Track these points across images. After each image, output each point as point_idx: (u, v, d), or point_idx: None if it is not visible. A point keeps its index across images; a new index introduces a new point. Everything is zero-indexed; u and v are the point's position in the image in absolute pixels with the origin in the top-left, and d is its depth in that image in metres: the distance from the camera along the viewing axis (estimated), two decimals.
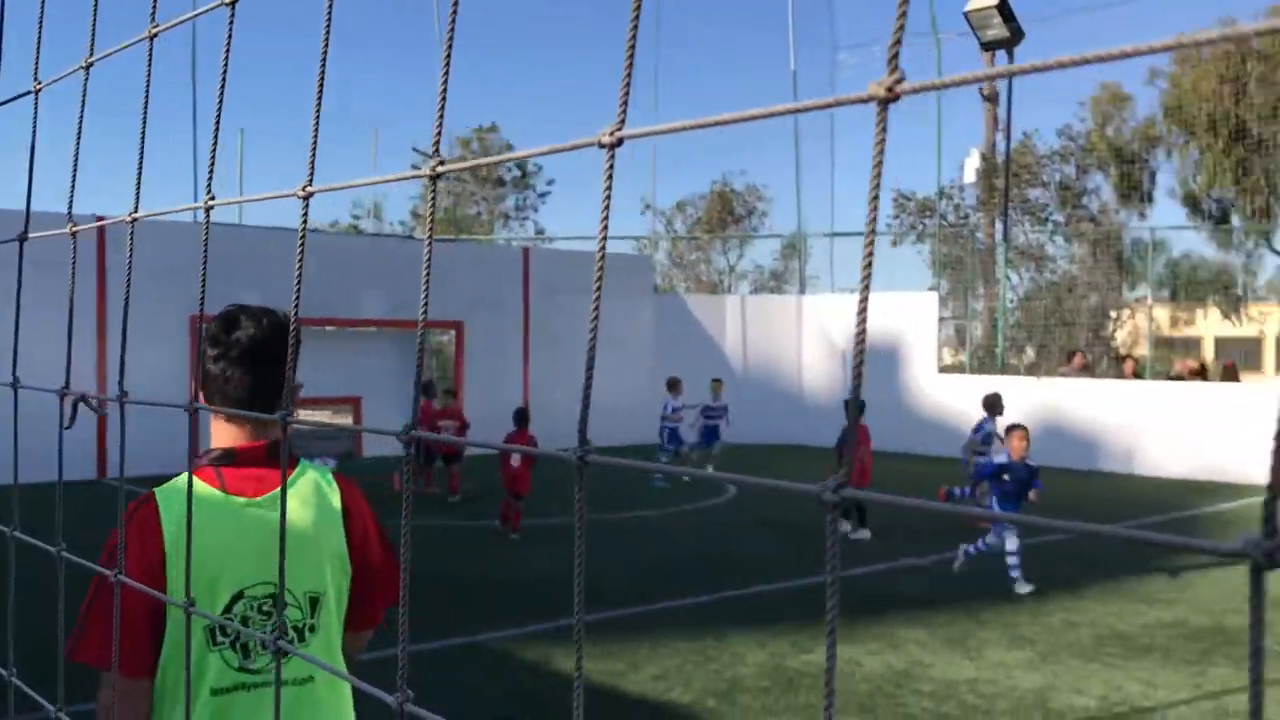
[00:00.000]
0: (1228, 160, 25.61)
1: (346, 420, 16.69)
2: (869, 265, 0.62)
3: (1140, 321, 24.19)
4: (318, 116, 1.00)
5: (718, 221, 36.27)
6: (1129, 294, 25.15)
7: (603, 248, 0.72)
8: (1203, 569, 10.07)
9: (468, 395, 19.19)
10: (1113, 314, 24.65)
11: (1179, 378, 19.78)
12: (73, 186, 1.52)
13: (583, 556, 0.79)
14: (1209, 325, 30.15)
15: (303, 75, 49.75)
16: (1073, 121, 28.44)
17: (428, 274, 0.85)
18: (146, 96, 1.23)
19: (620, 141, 0.72)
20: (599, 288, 0.76)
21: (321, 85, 0.98)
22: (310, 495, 2.24)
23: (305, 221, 1.03)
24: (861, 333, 0.64)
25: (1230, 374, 20.61)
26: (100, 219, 1.57)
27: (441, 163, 0.83)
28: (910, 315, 21.51)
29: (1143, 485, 15.63)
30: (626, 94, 0.72)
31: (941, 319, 22.07)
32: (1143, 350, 22.92)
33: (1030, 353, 24.34)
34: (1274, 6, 23.52)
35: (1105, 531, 0.65)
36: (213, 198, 1.18)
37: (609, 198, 0.73)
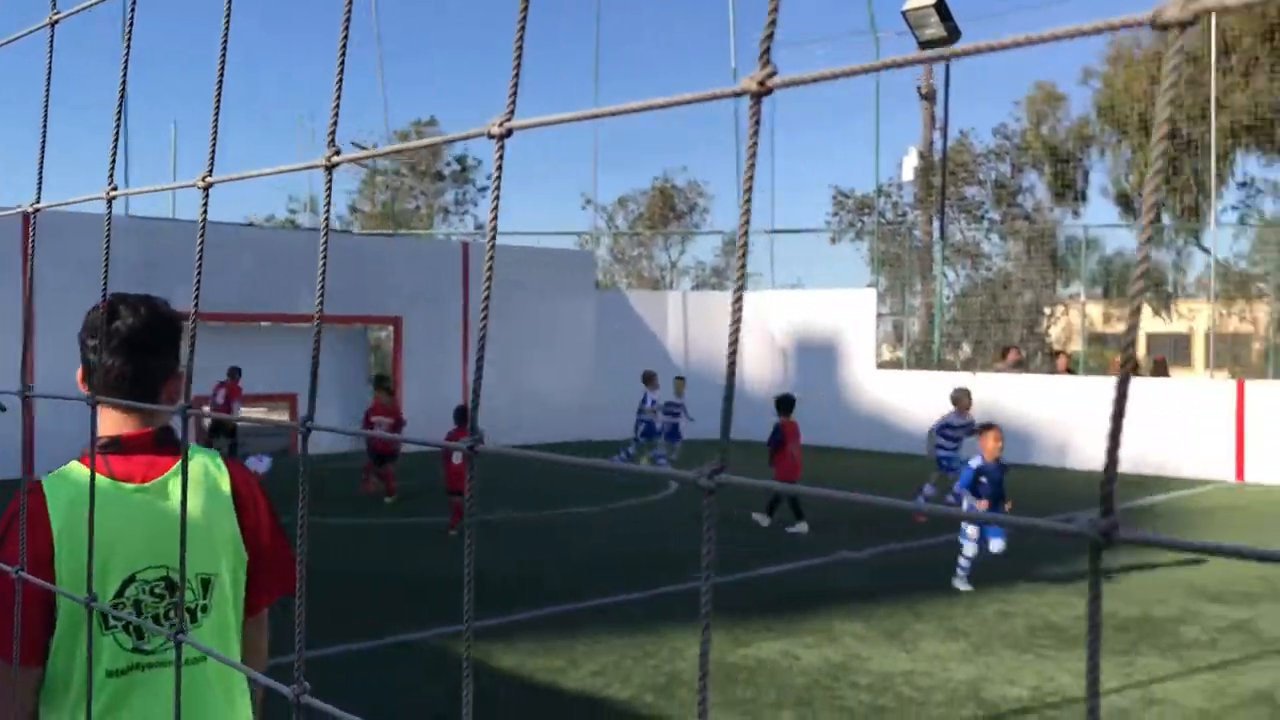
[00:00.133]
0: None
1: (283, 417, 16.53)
2: (744, 262, 0.62)
3: (1074, 318, 24.62)
4: (217, 108, 0.99)
5: (659, 217, 36.33)
6: (1063, 291, 25.59)
7: (493, 239, 0.71)
8: (1133, 562, 10.28)
9: (407, 391, 19.04)
10: (1047, 310, 25.07)
11: (1109, 372, 20.17)
12: None
13: (471, 553, 0.79)
14: (1140, 322, 30.77)
15: (248, 68, 48.99)
16: (1008, 121, 28.85)
17: (324, 267, 0.84)
18: (48, 84, 1.20)
19: (509, 132, 0.72)
20: (489, 281, 0.75)
21: (221, 75, 0.96)
22: (200, 480, 2.28)
23: (205, 212, 1.01)
24: (736, 326, 0.64)
25: (1160, 369, 21.06)
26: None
27: (337, 153, 0.82)
28: (849, 312, 21.72)
29: (1074, 479, 15.90)
30: (515, 86, 0.72)
31: (880, 315, 22.30)
32: (1076, 346, 23.34)
33: (966, 349, 24.68)
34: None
35: (938, 511, 0.66)
36: (114, 188, 1.15)
37: (499, 187, 0.73)
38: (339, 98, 0.83)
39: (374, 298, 19.30)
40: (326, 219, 0.87)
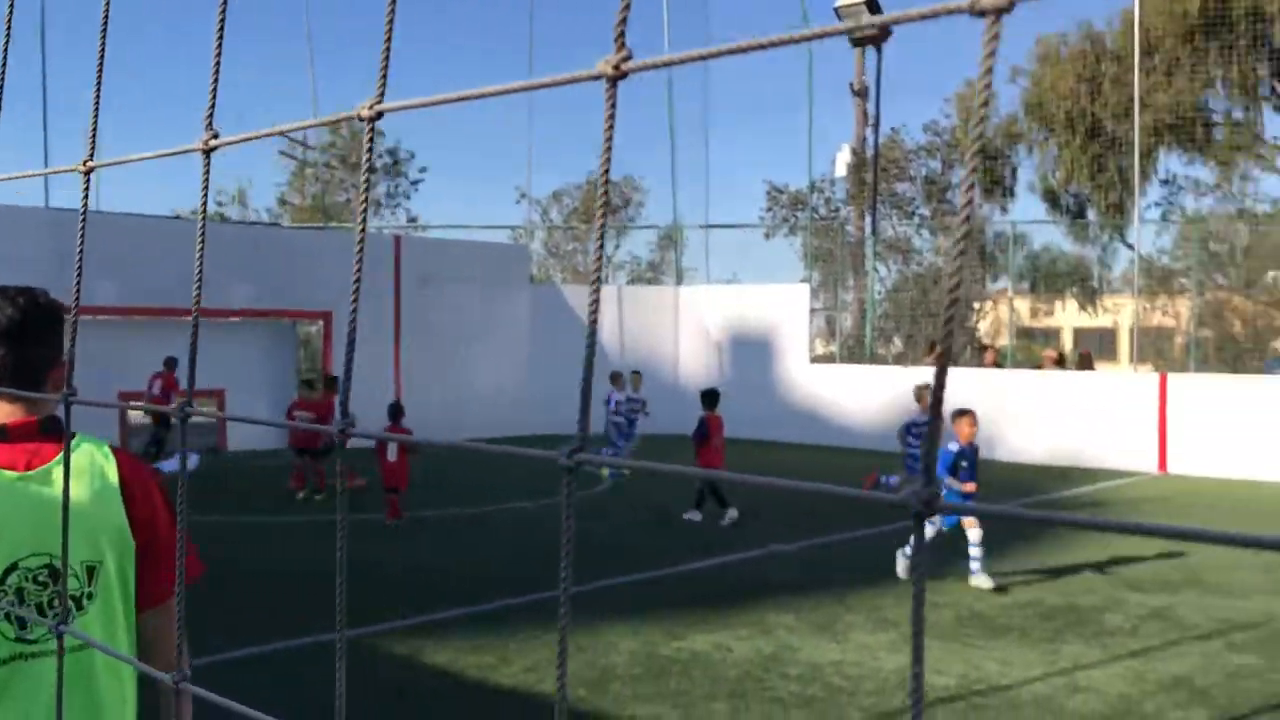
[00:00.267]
0: (1084, 157, 26.65)
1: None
2: (600, 257, 0.62)
3: (1002, 313, 25.02)
4: (99, 91, 0.96)
5: (594, 212, 36.24)
6: (991, 286, 25.99)
7: (363, 226, 0.70)
8: (1063, 553, 10.47)
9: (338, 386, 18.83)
10: (975, 305, 25.45)
11: (1039, 366, 20.54)
12: None
13: (344, 545, 0.78)
14: (1067, 316, 31.35)
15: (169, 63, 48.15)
16: (938, 118, 29.21)
17: (200, 256, 0.82)
18: None
19: (380, 115, 0.71)
20: (359, 273, 0.74)
21: (102, 59, 0.94)
22: (86, 468, 2.28)
23: (86, 197, 0.99)
24: (593, 318, 0.63)
25: (1086, 363, 21.51)
26: None
27: (215, 136, 0.81)
28: (783, 307, 21.88)
29: (1003, 470, 16.16)
30: (385, 68, 0.71)
31: (813, 310, 22.49)
32: (1004, 340, 23.72)
33: (898, 343, 24.97)
34: (1125, 11, 24.56)
35: (792, 487, 0.66)
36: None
37: (369, 173, 0.72)
38: (216, 81, 0.81)
39: (303, 292, 19.05)
40: (204, 204, 0.85)
